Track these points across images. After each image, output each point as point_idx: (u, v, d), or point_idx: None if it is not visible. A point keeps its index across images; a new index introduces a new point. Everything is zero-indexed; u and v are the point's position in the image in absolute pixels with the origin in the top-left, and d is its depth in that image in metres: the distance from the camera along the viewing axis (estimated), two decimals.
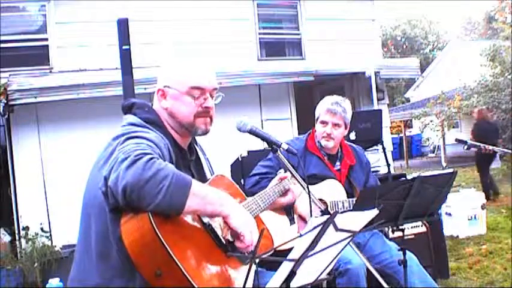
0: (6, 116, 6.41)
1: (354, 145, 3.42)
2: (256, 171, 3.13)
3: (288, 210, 2.91)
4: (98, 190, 1.59)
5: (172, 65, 1.96)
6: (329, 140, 3.15)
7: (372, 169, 3.56)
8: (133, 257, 1.54)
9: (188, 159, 1.97)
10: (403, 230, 2.74)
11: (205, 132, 1.94)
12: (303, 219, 2.94)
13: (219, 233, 1.76)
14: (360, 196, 2.92)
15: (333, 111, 3.15)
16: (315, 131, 3.25)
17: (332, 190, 3.10)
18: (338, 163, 3.26)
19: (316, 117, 3.24)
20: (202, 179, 1.97)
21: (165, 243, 1.49)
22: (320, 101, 3.26)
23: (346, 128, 3.21)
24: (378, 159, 7.35)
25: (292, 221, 2.93)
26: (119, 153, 1.57)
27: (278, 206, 2.37)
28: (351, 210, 2.77)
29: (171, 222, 1.57)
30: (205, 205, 1.62)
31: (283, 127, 8.02)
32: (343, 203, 3.06)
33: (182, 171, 1.62)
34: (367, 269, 2.82)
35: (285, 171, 2.42)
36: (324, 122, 3.17)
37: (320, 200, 2.99)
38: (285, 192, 2.33)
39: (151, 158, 1.53)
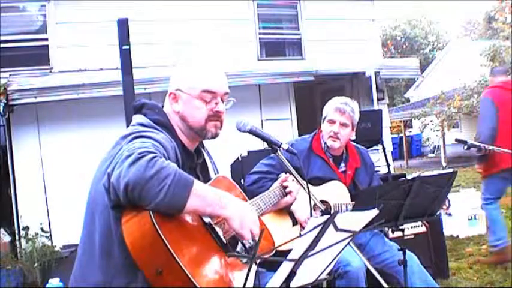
0: (6, 116, 6.41)
1: (358, 146, 3.39)
2: (257, 168, 3.11)
3: (291, 212, 2.91)
4: (103, 188, 1.60)
5: (185, 68, 1.96)
6: (335, 140, 3.13)
7: None
8: (134, 256, 1.54)
9: (195, 162, 1.98)
10: (403, 230, 2.74)
11: (215, 136, 1.94)
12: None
13: (220, 232, 1.76)
14: (360, 196, 2.92)
15: (342, 110, 3.13)
16: (321, 131, 3.22)
17: (336, 192, 3.09)
18: (343, 164, 3.23)
19: (323, 117, 3.21)
20: (208, 182, 1.97)
21: (166, 242, 1.49)
22: (328, 101, 3.24)
23: (352, 129, 3.19)
24: (377, 159, 7.34)
25: (295, 222, 2.92)
26: (124, 150, 1.59)
27: (280, 207, 2.38)
28: None
29: (172, 221, 1.58)
30: (206, 206, 1.62)
31: (283, 127, 8.02)
32: (346, 205, 3.04)
33: (188, 174, 1.62)
34: (368, 270, 2.82)
35: (286, 174, 2.42)
36: (331, 121, 3.14)
37: (323, 201, 2.98)
38: (285, 195, 2.34)
39: (155, 157, 1.54)
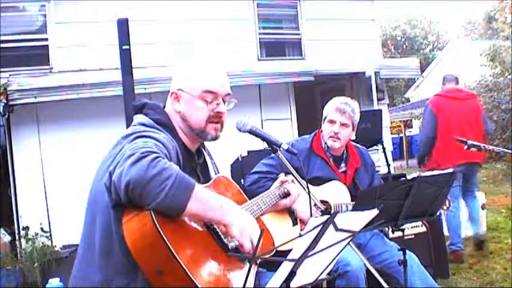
0: (6, 116, 6.41)
1: (359, 146, 3.39)
2: (257, 169, 3.11)
3: (291, 211, 2.91)
4: (105, 187, 1.60)
5: (187, 68, 1.96)
6: (336, 140, 3.13)
7: None
8: (135, 255, 1.54)
9: (196, 162, 1.98)
10: (403, 230, 2.74)
11: (215, 139, 1.94)
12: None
13: (221, 233, 1.76)
14: (360, 196, 2.92)
15: (342, 110, 3.13)
16: (322, 131, 3.23)
17: (336, 192, 3.09)
18: (343, 164, 3.24)
19: (323, 117, 3.22)
20: (208, 182, 1.96)
21: (167, 242, 1.49)
22: (328, 101, 3.25)
23: (353, 129, 3.19)
24: (378, 159, 7.34)
25: (295, 222, 2.93)
26: (126, 149, 1.59)
27: (279, 209, 2.38)
28: None
29: (173, 222, 1.58)
30: (206, 211, 1.62)
31: (283, 127, 8.02)
32: (347, 205, 3.04)
33: (188, 174, 1.62)
34: (368, 270, 2.82)
35: (286, 174, 2.42)
36: (332, 121, 3.15)
37: (324, 201, 2.98)
38: (285, 195, 2.34)
39: (157, 157, 1.54)
